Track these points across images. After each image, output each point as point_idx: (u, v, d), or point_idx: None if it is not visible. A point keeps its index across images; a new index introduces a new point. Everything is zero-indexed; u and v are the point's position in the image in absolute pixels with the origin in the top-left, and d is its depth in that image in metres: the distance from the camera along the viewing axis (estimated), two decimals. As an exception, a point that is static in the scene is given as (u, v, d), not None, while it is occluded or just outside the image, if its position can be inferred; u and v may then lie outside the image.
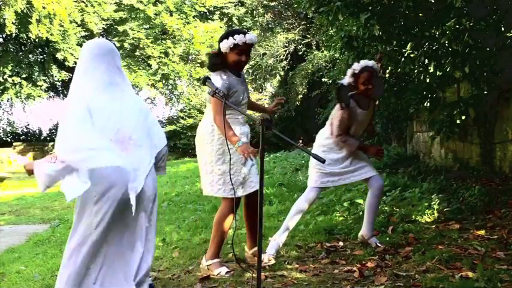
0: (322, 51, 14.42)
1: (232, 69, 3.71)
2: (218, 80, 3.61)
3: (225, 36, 3.68)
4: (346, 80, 4.17)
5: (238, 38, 3.61)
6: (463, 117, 6.25)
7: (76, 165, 2.45)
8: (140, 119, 2.74)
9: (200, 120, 3.92)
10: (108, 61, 2.76)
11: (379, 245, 4.16)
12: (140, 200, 2.65)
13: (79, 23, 19.53)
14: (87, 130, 2.54)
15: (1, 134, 26.86)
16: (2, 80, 20.06)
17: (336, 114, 4.11)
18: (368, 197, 4.22)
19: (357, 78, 4.11)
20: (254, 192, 3.68)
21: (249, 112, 3.75)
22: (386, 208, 5.27)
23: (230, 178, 3.47)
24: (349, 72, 4.16)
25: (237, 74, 3.74)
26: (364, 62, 4.14)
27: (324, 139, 4.19)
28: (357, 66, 4.12)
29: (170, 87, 23.71)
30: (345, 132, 4.11)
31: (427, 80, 6.21)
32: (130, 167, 2.58)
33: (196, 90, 22.65)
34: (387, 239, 4.38)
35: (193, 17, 22.26)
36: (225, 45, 3.63)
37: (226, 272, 3.64)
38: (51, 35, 18.59)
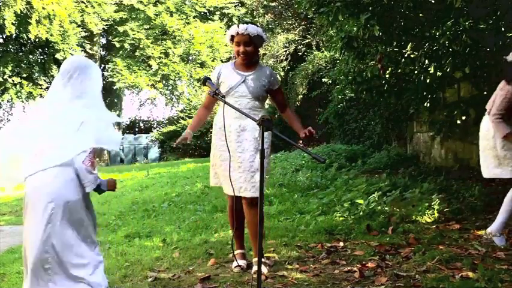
0: (323, 52, 14.43)
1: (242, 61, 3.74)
2: (215, 69, 3.86)
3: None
4: (510, 57, 3.93)
5: (232, 29, 3.70)
6: (464, 118, 6.26)
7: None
8: (60, 132, 2.80)
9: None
10: (69, 76, 2.88)
11: (501, 245, 3.96)
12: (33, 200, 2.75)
13: (79, 23, 19.52)
14: (16, 132, 2.89)
15: (1, 135, 26.83)
16: (2, 80, 20.05)
17: (500, 92, 3.87)
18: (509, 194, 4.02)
19: None
20: (244, 198, 3.66)
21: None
22: (386, 208, 5.27)
23: (229, 175, 3.45)
24: None
25: (246, 68, 3.73)
26: None
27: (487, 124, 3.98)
28: None
29: (170, 87, 23.69)
30: (504, 113, 3.83)
31: (427, 81, 6.21)
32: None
33: (196, 90, 22.66)
34: (387, 239, 4.39)
35: (194, 18, 22.26)
36: (227, 39, 3.80)
37: (235, 267, 3.76)
38: (51, 35, 18.58)
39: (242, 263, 3.79)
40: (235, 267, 3.77)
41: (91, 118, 2.83)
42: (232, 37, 3.69)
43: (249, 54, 3.68)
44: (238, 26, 3.67)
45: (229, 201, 3.83)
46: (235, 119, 3.61)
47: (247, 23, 3.72)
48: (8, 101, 23.28)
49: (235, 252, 3.84)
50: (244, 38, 3.64)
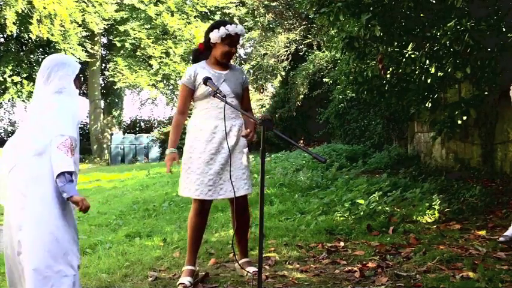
0: (323, 52, 14.43)
1: (219, 60, 3.52)
2: (187, 71, 3.56)
3: (215, 26, 3.47)
4: None
5: (231, 28, 3.44)
6: (464, 118, 6.26)
7: None
8: (37, 126, 2.80)
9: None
10: (48, 73, 2.90)
11: None
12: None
13: (80, 23, 19.53)
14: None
15: (2, 134, 26.91)
16: (2, 80, 20.07)
17: None
18: None
19: None
20: (237, 199, 3.43)
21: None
22: (387, 208, 5.27)
23: (230, 177, 3.34)
24: None
25: (221, 67, 3.55)
26: None
27: None
28: None
29: (171, 87, 23.70)
30: None
31: (428, 81, 6.22)
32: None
33: (197, 90, 22.65)
34: (388, 239, 4.39)
35: (195, 17, 22.25)
36: (217, 36, 3.43)
37: (178, 284, 3.43)
38: (52, 35, 18.59)
39: (187, 280, 3.41)
40: (178, 284, 3.42)
41: (64, 105, 2.83)
42: (228, 36, 3.43)
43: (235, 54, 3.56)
44: (236, 27, 3.46)
45: (197, 207, 3.51)
46: (211, 120, 3.47)
47: (231, 23, 3.51)
48: (9, 101, 23.33)
49: (183, 268, 3.55)
50: (237, 39, 3.49)
